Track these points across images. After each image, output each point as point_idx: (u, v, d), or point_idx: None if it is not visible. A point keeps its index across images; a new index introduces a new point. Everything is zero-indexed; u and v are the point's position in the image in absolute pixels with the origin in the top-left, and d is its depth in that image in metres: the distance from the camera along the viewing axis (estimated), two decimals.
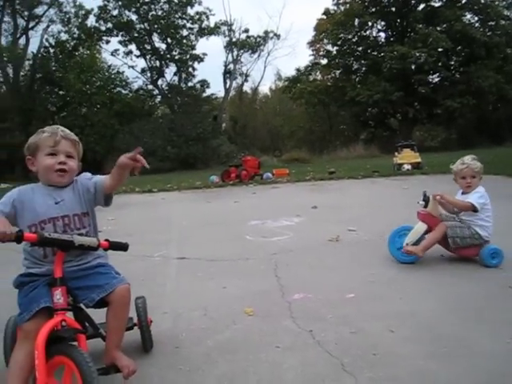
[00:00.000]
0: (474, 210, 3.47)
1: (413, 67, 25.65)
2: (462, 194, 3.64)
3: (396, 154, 13.38)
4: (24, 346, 1.70)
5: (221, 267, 3.83)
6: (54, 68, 26.77)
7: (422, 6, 27.73)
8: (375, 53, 28.61)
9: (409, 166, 12.33)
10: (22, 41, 26.98)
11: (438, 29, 25.74)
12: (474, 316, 2.51)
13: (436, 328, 2.38)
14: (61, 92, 26.56)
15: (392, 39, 28.46)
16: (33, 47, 26.87)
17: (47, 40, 26.96)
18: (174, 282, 3.49)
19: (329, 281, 3.27)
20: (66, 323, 1.72)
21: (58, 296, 1.76)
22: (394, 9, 28.39)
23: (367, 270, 3.43)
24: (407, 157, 13.01)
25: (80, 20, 27.26)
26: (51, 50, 27.21)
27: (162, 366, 2.16)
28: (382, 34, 30.11)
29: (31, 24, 26.93)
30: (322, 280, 3.30)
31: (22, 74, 26.72)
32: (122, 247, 2.09)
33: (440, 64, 25.87)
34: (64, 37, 27.35)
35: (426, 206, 3.65)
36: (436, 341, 2.22)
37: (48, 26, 26.97)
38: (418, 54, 24.56)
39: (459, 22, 25.67)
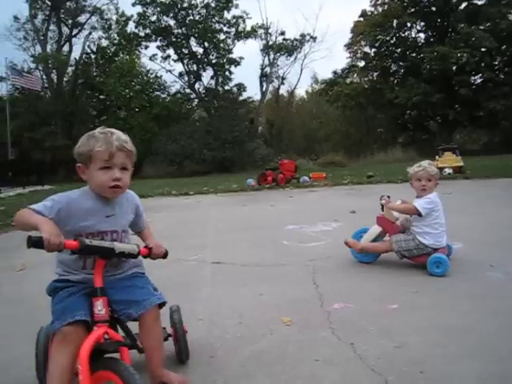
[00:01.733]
0: (419, 214, 3.47)
1: (454, 68, 24.89)
2: (416, 197, 3.61)
3: (437, 157, 12.97)
4: (63, 349, 1.62)
5: (257, 273, 3.75)
6: (94, 73, 27.56)
7: (464, 5, 26.93)
8: (414, 54, 27.95)
9: (450, 170, 11.94)
10: (66, 48, 27.95)
11: (482, 28, 24.90)
12: None
13: (491, 345, 2.21)
14: (101, 96, 27.28)
15: (432, 40, 27.74)
16: (75, 54, 27.78)
17: (89, 46, 27.81)
18: (208, 288, 3.43)
19: (369, 290, 3.12)
20: (109, 336, 1.64)
21: (100, 307, 1.68)
22: (434, 8, 27.68)
23: (411, 279, 3.26)
24: (449, 160, 12.60)
25: (120, 26, 27.94)
26: (92, 56, 28.02)
27: (196, 376, 2.08)
28: (422, 35, 29.47)
29: (74, 31, 27.84)
30: (362, 289, 3.16)
31: (65, 79, 27.61)
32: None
33: (483, 64, 25.02)
34: (105, 43, 28.16)
35: (382, 210, 3.74)
36: (492, 361, 2.05)
37: (90, 33, 27.84)
38: (459, 55, 23.81)
39: (504, 20, 24.73)
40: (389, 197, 3.74)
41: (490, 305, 2.74)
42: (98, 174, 1.78)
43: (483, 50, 24.56)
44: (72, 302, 1.73)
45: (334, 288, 3.18)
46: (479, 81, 26.86)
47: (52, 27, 27.59)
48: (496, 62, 26.71)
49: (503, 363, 2.05)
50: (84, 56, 27.60)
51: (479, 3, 26.87)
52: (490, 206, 6.75)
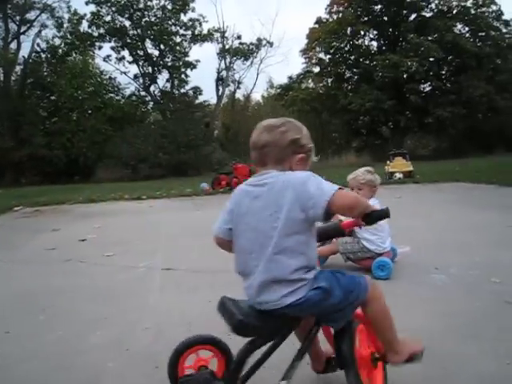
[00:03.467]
0: None
1: (405, 76, 25.78)
2: None
3: (388, 162, 13.35)
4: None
5: (207, 279, 3.71)
6: (45, 73, 26.56)
7: (413, 16, 27.95)
8: (367, 61, 28.70)
9: (400, 175, 12.31)
10: (14, 45, 26.77)
11: (430, 39, 25.92)
12: (471, 333, 2.41)
13: (435, 348, 2.27)
14: (52, 97, 26.31)
15: (384, 48, 28.58)
16: (24, 52, 26.68)
17: (39, 45, 26.77)
18: (157, 295, 3.36)
19: None
20: None
21: None
22: (386, 18, 28.57)
23: None
24: (399, 165, 12.98)
25: (73, 25, 27.10)
26: (43, 55, 27.01)
27: None
28: (374, 43, 30.28)
29: (23, 28, 26.72)
30: None
31: (13, 78, 26.46)
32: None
33: (431, 73, 26.07)
34: (56, 42, 27.19)
35: None
36: (435, 362, 2.11)
37: (40, 31, 26.78)
38: (409, 63, 24.69)
39: (450, 33, 25.88)
40: None
41: (435, 307, 2.83)
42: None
43: (431, 59, 25.59)
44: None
45: None
46: (428, 89, 27.93)
47: None
48: (443, 72, 27.88)
49: (446, 364, 2.10)
50: (34, 55, 26.56)
51: (427, 15, 28.01)
52: (437, 209, 7.00)
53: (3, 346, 2.58)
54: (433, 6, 28.24)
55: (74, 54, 27.59)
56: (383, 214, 1.63)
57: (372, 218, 1.61)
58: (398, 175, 12.25)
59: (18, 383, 2.17)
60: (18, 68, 26.55)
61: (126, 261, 4.43)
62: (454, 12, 27.58)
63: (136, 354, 2.38)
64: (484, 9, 27.42)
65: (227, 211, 1.69)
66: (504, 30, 27.28)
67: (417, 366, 2.06)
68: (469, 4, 27.46)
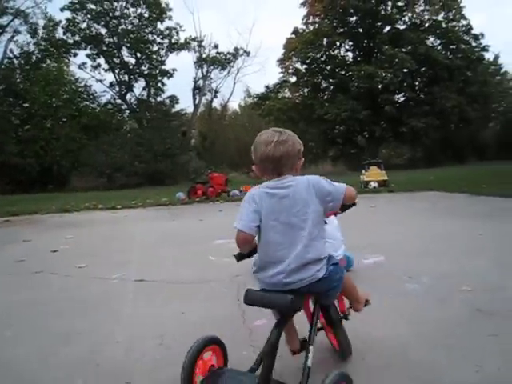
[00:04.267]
0: None
1: (379, 87, 26.25)
2: None
3: (363, 171, 13.52)
4: None
5: (181, 290, 3.66)
6: (18, 79, 26.03)
7: (387, 28, 28.58)
8: (343, 72, 29.17)
9: (376, 184, 12.48)
10: None
11: (404, 50, 26.52)
12: (443, 342, 2.44)
13: (408, 356, 2.28)
14: (25, 104, 25.78)
15: (359, 59, 29.12)
16: None
17: (11, 51, 26.26)
18: (130, 308, 3.29)
19: None
20: None
21: None
22: (361, 30, 29.14)
23: None
24: (374, 174, 13.16)
25: (47, 32, 26.69)
26: (16, 61, 26.49)
27: None
28: (350, 54, 30.87)
29: None
30: None
31: None
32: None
33: (405, 84, 26.63)
34: (30, 48, 26.71)
35: None
36: (409, 369, 2.13)
37: (13, 37, 26.29)
38: (384, 74, 25.17)
39: (423, 45, 26.57)
40: None
41: (408, 316, 2.85)
42: None
43: (405, 70, 26.17)
44: None
45: None
46: (402, 99, 28.51)
47: None
48: (417, 83, 28.52)
49: (419, 373, 2.12)
50: (6, 61, 26.04)
51: (401, 28, 28.68)
52: (411, 218, 7.11)
53: None
54: (406, 19, 29.02)
55: (49, 61, 27.15)
56: (352, 204, 2.07)
57: (345, 206, 2.05)
58: (373, 184, 12.41)
59: None
60: None
61: (98, 272, 4.34)
62: (427, 25, 28.39)
63: (107, 369, 2.32)
64: (454, 23, 28.28)
65: (252, 211, 1.90)
66: (473, 44, 28.14)
67: (391, 376, 2.08)
68: (440, 18, 28.34)
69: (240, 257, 2.15)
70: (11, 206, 11.15)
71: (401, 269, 3.96)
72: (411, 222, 6.73)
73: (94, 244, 6.13)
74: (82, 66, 27.65)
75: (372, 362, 2.21)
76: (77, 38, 26.97)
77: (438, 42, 28.46)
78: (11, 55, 26.29)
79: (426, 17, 28.65)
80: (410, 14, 28.73)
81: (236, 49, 30.66)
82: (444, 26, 27.93)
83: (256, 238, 1.99)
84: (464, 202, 8.96)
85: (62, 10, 26.16)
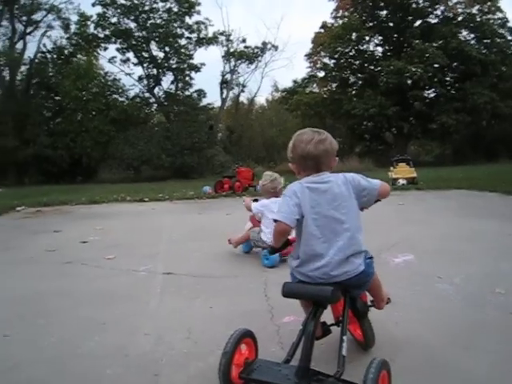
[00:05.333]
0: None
1: (409, 82, 25.73)
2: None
3: (391, 168, 13.29)
4: None
5: (208, 284, 3.68)
6: (50, 73, 26.60)
7: (418, 22, 27.93)
8: (372, 67, 28.69)
9: (404, 181, 12.25)
10: (20, 45, 26.84)
11: (435, 45, 25.86)
12: (474, 345, 2.38)
13: (436, 359, 2.24)
14: (57, 98, 26.36)
15: (389, 54, 28.56)
16: (30, 52, 26.77)
17: (45, 45, 26.84)
18: (158, 300, 3.32)
19: None
20: None
21: None
22: (391, 24, 28.57)
23: None
24: (403, 171, 12.93)
25: (79, 26, 27.16)
26: (48, 56, 27.07)
27: None
28: (379, 49, 30.26)
29: (29, 29, 26.81)
30: None
31: (18, 78, 26.53)
32: None
33: (436, 80, 25.99)
34: (63, 43, 27.25)
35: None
36: (436, 374, 2.08)
37: (46, 32, 26.86)
38: (414, 70, 24.63)
39: (455, 39, 25.85)
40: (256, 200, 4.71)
41: (438, 317, 2.79)
42: None
43: (436, 66, 25.53)
44: None
45: (285, 301, 3.13)
46: (432, 95, 27.86)
47: (4, 23, 26.48)
48: (448, 78, 27.82)
49: (448, 376, 2.07)
50: (39, 55, 26.63)
51: (432, 22, 27.99)
52: (440, 217, 6.95)
53: (1, 350, 2.55)
54: (438, 12, 28.25)
55: (80, 55, 27.63)
56: (377, 199, 2.16)
57: None
58: (402, 181, 12.19)
59: None
60: (23, 68, 26.64)
61: (126, 264, 4.40)
62: (460, 19, 27.56)
63: (135, 360, 2.35)
64: (489, 16, 27.39)
65: (293, 204, 1.97)
66: (509, 38, 27.24)
67: (420, 379, 2.04)
68: (474, 11, 27.46)
69: (273, 251, 2.21)
70: (42, 197, 11.42)
71: (430, 269, 3.88)
72: (440, 221, 6.59)
73: (122, 236, 6.22)
74: (111, 60, 27.99)
75: (401, 363, 2.17)
76: (107, 32, 27.27)
77: (472, 36, 27.59)
78: (44, 50, 26.87)
79: (460, 10, 27.84)
80: (442, 8, 27.99)
81: (264, 43, 30.49)
82: (478, 19, 27.11)
83: (294, 232, 2.08)
84: (495, 202, 8.70)
85: (93, 5, 26.48)
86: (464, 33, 27.67)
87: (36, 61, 26.38)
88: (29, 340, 2.68)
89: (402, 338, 2.50)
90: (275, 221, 2.00)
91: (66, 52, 27.12)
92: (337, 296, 1.94)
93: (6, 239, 6.22)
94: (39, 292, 3.63)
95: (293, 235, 2.15)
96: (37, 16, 26.62)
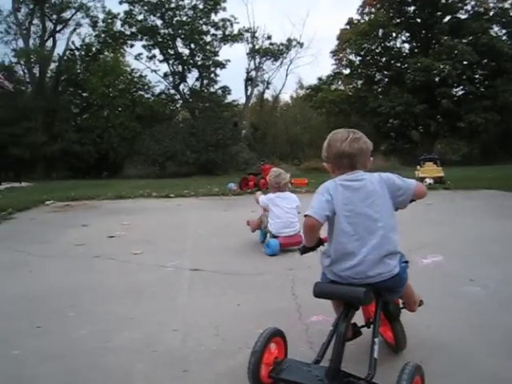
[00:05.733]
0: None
1: (437, 80, 25.21)
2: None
3: (418, 167, 13.07)
4: None
5: (235, 281, 3.68)
6: (78, 70, 27.10)
7: (447, 18, 27.33)
8: (398, 64, 28.24)
9: (431, 180, 12.02)
10: (49, 43, 27.44)
11: (464, 41, 25.27)
12: (508, 350, 2.31)
13: (469, 363, 2.18)
14: (84, 94, 26.85)
15: (416, 50, 28.04)
16: (59, 49, 27.30)
17: (73, 43, 27.35)
18: (185, 296, 3.35)
19: None
20: None
21: None
22: (419, 20, 28.04)
23: None
24: (430, 171, 12.70)
25: (106, 24, 27.58)
26: (77, 53, 27.59)
27: None
28: (406, 45, 29.72)
29: (58, 27, 27.36)
30: None
31: (47, 75, 27.11)
32: None
33: (464, 77, 25.40)
34: (90, 40, 27.73)
35: None
36: (471, 380, 2.03)
37: (75, 30, 27.38)
38: (442, 67, 24.13)
39: (486, 35, 25.16)
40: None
41: (471, 320, 2.73)
42: None
43: (465, 63, 24.95)
44: None
45: (313, 299, 3.11)
46: (460, 93, 27.26)
47: (35, 21, 27.10)
48: (477, 76, 27.15)
49: (482, 382, 2.02)
50: (68, 52, 27.16)
51: (462, 17, 27.34)
52: (469, 218, 6.80)
53: (34, 341, 2.61)
54: (468, 7, 27.53)
55: (107, 52, 28.04)
56: (412, 200, 2.12)
57: None
58: (429, 181, 11.96)
59: (45, 381, 2.19)
60: (52, 65, 27.21)
61: (154, 260, 4.44)
62: (491, 14, 26.82)
63: (164, 356, 2.37)
64: None
65: (324, 201, 1.97)
66: None
67: None
68: (507, 5, 26.67)
69: (304, 250, 2.16)
70: (70, 191, 11.65)
71: (461, 270, 3.80)
72: (469, 222, 6.45)
73: (149, 231, 6.28)
74: (137, 57, 28.33)
75: (433, 368, 2.11)
76: (134, 29, 27.62)
77: (504, 31, 26.88)
78: (73, 47, 27.38)
79: (491, 4, 27.10)
80: (473, 2, 27.29)
81: (289, 40, 30.34)
82: (510, 14, 26.35)
83: (327, 232, 2.07)
84: None
85: (120, 2, 26.85)
86: (495, 28, 26.94)
87: (65, 58, 26.91)
88: (60, 332, 2.73)
89: (434, 341, 2.45)
90: (305, 216, 1.98)
91: (93, 49, 27.59)
92: (369, 297, 1.90)
93: (38, 233, 6.37)
94: (70, 285, 3.70)
95: (325, 234, 2.13)
96: (66, 14, 27.19)
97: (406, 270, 2.05)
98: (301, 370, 1.89)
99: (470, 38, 25.68)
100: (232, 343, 2.48)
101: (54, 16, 27.01)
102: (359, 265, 1.92)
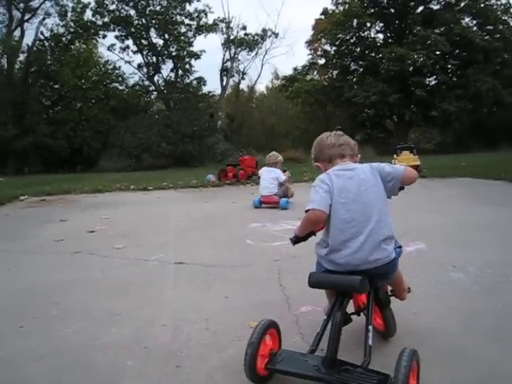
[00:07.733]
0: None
1: (411, 69, 25.52)
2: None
3: (395, 156, 13.22)
4: None
5: (221, 274, 3.66)
6: (49, 62, 26.34)
7: (420, 8, 27.61)
8: (373, 54, 28.47)
9: None
10: (17, 33, 26.52)
11: (437, 31, 25.62)
12: (495, 334, 2.36)
13: (459, 349, 2.22)
14: (55, 86, 26.15)
15: (390, 40, 28.31)
16: (28, 40, 26.43)
17: (42, 33, 26.51)
18: (172, 290, 3.31)
19: None
20: None
21: None
22: (392, 10, 28.27)
23: None
24: (406, 159, 12.82)
25: (76, 14, 26.82)
26: (46, 44, 26.77)
27: None
28: (381, 35, 29.97)
29: (26, 16, 26.45)
30: None
31: (16, 66, 26.26)
32: None
33: (438, 67, 25.79)
34: (60, 30, 26.92)
35: None
36: (460, 364, 2.07)
37: (44, 19, 26.51)
38: (416, 56, 24.43)
39: (458, 26, 25.60)
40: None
41: (456, 307, 2.78)
42: None
43: (438, 53, 25.32)
44: None
45: (300, 290, 3.09)
46: (433, 82, 27.67)
47: (1, 10, 26.15)
48: (450, 66, 27.60)
49: (474, 366, 2.06)
50: (37, 43, 26.31)
51: (435, 8, 27.67)
52: (448, 205, 6.94)
53: (17, 342, 2.53)
54: None
55: (78, 43, 27.32)
56: (401, 187, 2.19)
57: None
58: None
59: (32, 382, 2.12)
60: (21, 56, 26.35)
61: (137, 254, 4.37)
62: (462, 5, 27.25)
63: (155, 352, 2.33)
64: (493, 1, 27.11)
65: (324, 191, 2.03)
66: None
67: (443, 369, 2.03)
68: None
69: (296, 240, 2.18)
70: (45, 186, 11.37)
71: (443, 257, 3.87)
72: (447, 209, 6.58)
73: (130, 225, 6.18)
74: (110, 48, 27.70)
75: (423, 354, 2.13)
76: (106, 19, 26.97)
77: (474, 22, 27.36)
78: (42, 37, 26.56)
79: None
80: None
81: (264, 30, 30.17)
82: (482, 5, 26.81)
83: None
84: (501, 190, 8.68)
85: None
86: (467, 19, 27.43)
87: (34, 49, 26.08)
88: (45, 331, 2.65)
89: (422, 328, 2.49)
90: (306, 211, 2.02)
91: (64, 40, 26.82)
92: (365, 285, 1.93)
93: (14, 229, 6.20)
94: (51, 282, 3.61)
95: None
96: (34, 3, 26.26)
97: (399, 255, 2.10)
98: (297, 361, 1.89)
99: (443, 28, 26.07)
100: (223, 337, 2.46)
101: (21, 5, 26.07)
102: (358, 251, 1.96)
